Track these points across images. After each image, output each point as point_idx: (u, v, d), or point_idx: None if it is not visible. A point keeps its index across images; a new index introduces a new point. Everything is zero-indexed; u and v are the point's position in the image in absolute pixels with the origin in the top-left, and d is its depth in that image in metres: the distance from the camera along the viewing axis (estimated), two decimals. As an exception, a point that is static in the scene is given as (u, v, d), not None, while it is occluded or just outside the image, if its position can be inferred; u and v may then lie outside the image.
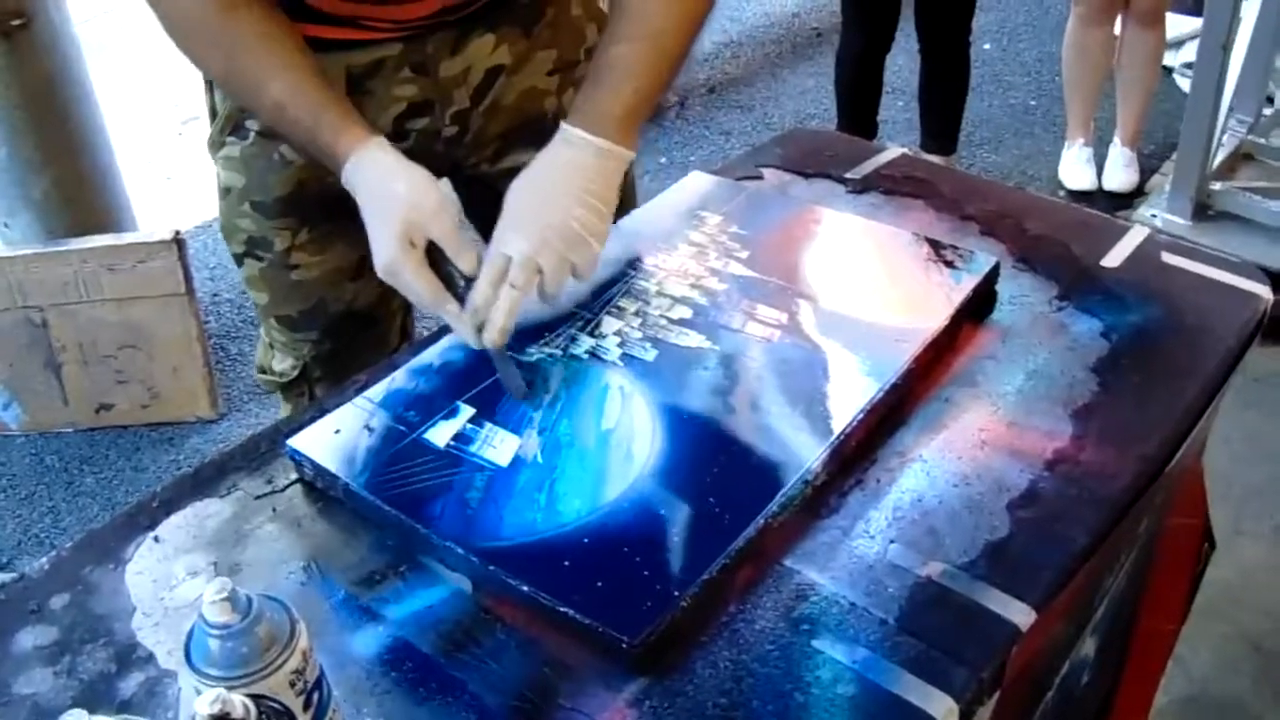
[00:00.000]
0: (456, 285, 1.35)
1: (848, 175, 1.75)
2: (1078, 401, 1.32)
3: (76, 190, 3.33)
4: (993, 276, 1.48)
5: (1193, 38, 4.16)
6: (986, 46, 4.92)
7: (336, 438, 1.29)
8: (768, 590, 1.12)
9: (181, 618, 1.13)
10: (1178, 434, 1.30)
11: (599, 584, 1.08)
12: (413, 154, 1.54)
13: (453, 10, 1.50)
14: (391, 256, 1.34)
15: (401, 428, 1.30)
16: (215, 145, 1.63)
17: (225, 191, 1.64)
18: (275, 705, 0.79)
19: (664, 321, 1.42)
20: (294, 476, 1.29)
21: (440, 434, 1.28)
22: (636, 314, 1.44)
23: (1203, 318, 1.45)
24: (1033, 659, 1.18)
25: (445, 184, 1.45)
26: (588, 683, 1.04)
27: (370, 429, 1.30)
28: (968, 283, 1.45)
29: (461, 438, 1.27)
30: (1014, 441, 1.27)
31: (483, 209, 1.73)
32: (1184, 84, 4.26)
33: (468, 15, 1.53)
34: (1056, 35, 3.97)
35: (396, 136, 1.55)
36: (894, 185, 1.72)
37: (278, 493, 1.27)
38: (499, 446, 1.26)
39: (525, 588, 1.09)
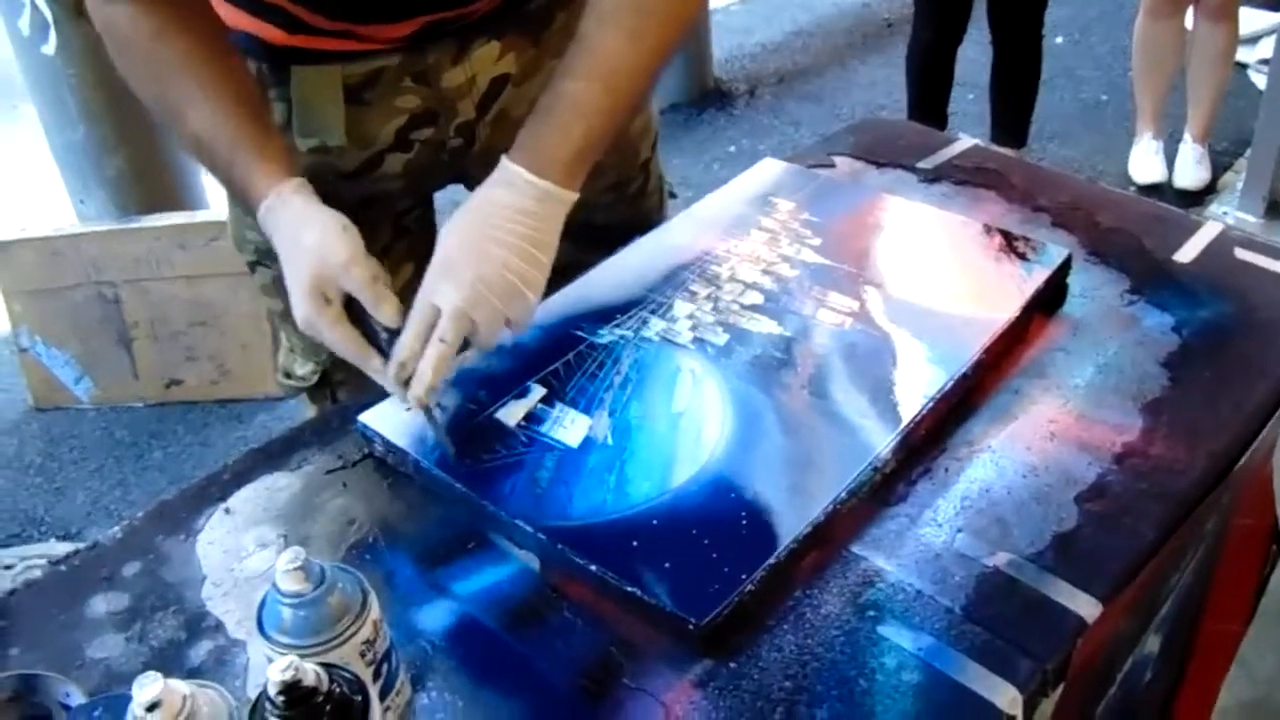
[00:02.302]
0: (379, 338, 1.25)
1: (920, 165, 1.74)
2: (1147, 396, 1.31)
3: (150, 168, 3.37)
4: (1064, 269, 1.48)
5: (1269, 33, 4.13)
6: (1058, 40, 4.88)
7: (407, 415, 1.28)
8: (834, 576, 1.12)
9: (251, 588, 1.15)
10: (1248, 432, 1.28)
11: (666, 565, 1.09)
12: (418, 166, 1.55)
13: (439, 27, 1.45)
14: (305, 312, 1.25)
15: (473, 406, 1.30)
16: None
17: (231, 202, 1.59)
18: (346, 675, 0.80)
19: (736, 306, 1.42)
20: (364, 452, 1.30)
21: (511, 413, 1.29)
22: (708, 298, 1.44)
23: (1276, 314, 1.43)
24: (1097, 653, 1.17)
25: (353, 231, 1.36)
26: (653, 663, 1.04)
27: (442, 407, 1.29)
28: (1039, 274, 1.44)
29: (533, 418, 1.28)
30: (1083, 434, 1.27)
31: None
32: (1259, 80, 4.21)
33: (470, 25, 1.48)
34: (1129, 29, 3.93)
35: (400, 148, 1.52)
36: (966, 176, 1.71)
37: (348, 468, 1.28)
38: (570, 427, 1.26)
39: (593, 567, 1.09)
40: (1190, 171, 3.95)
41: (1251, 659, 2.33)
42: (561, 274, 1.44)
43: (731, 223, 1.58)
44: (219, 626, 1.11)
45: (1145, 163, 4.01)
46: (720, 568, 1.08)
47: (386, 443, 1.27)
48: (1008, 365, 1.37)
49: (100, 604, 1.16)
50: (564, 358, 1.36)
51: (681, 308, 1.43)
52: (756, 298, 1.44)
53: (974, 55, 3.93)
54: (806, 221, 1.57)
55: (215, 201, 3.56)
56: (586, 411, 1.28)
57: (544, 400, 1.30)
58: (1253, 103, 3.69)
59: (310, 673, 0.77)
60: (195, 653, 1.09)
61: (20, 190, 4.21)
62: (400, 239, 1.63)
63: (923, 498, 1.20)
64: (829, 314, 1.40)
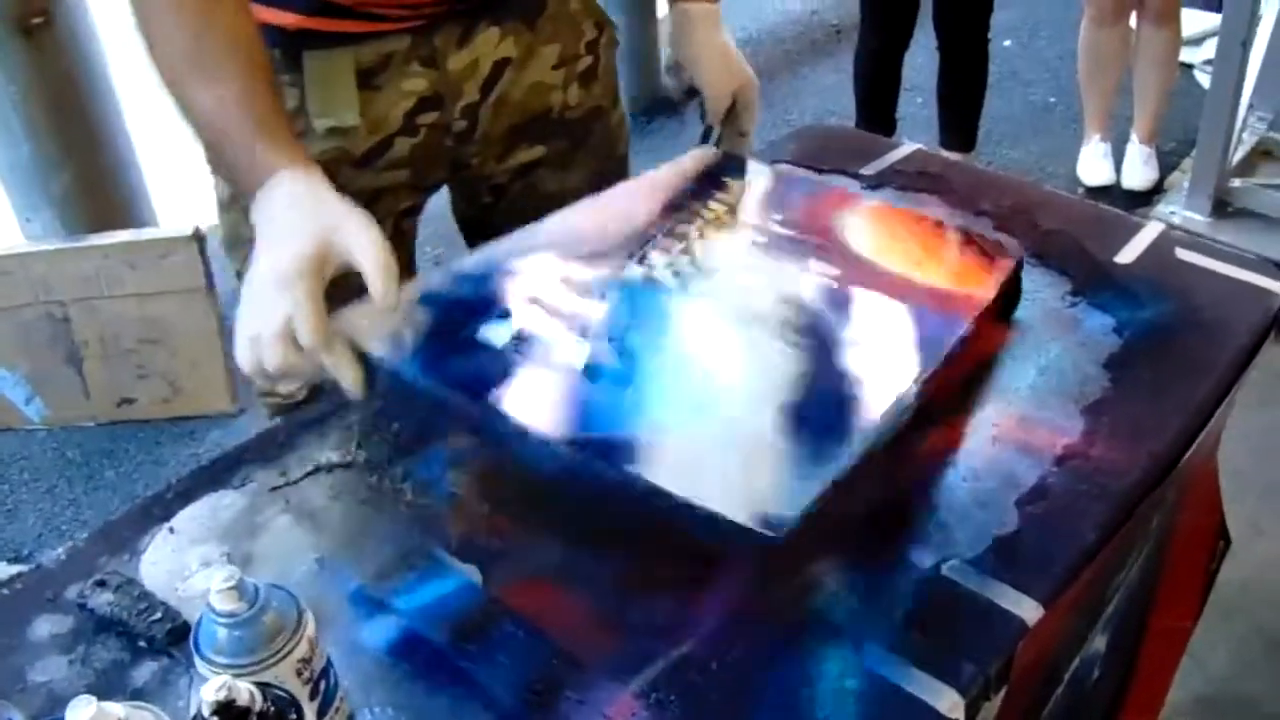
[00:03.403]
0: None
1: (862, 171, 1.75)
2: (1089, 397, 1.32)
3: (98, 186, 3.34)
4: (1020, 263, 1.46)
5: (1213, 35, 4.15)
6: (1007, 44, 4.91)
7: (387, 321, 1.25)
8: (777, 583, 1.12)
9: (194, 608, 1.13)
10: (1189, 430, 1.30)
11: (722, 477, 1.08)
12: (423, 150, 1.57)
13: (449, 6, 1.50)
14: (298, 268, 1.21)
15: (458, 321, 1.27)
16: None
17: (229, 201, 1.59)
18: (281, 693, 0.80)
19: (715, 257, 1.41)
20: (308, 469, 1.29)
21: (498, 333, 1.25)
22: (683, 251, 1.41)
23: (1216, 314, 1.45)
24: (1041, 654, 1.18)
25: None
26: (596, 675, 1.04)
27: (420, 319, 1.27)
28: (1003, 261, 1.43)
29: (520, 339, 1.25)
30: (1024, 437, 1.27)
31: (480, 213, 1.76)
32: (1205, 81, 4.25)
33: (473, 7, 1.53)
34: (1076, 32, 3.95)
35: (407, 131, 1.56)
36: (908, 181, 1.72)
37: (291, 485, 1.28)
38: (568, 349, 1.23)
39: (643, 482, 1.08)
40: (1138, 172, 3.98)
41: (1204, 654, 2.36)
42: None
43: (687, 192, 1.55)
44: (163, 649, 1.10)
45: (1093, 165, 4.04)
46: (790, 478, 1.09)
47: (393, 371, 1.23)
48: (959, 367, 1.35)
49: (44, 626, 1.15)
50: (542, 290, 1.32)
51: (658, 257, 1.39)
52: (732, 251, 1.43)
53: (922, 60, 3.95)
54: (762, 199, 1.56)
55: (165, 219, 3.55)
56: (583, 337, 1.25)
57: (529, 323, 1.27)
58: (1199, 103, 3.72)
59: (244, 692, 0.77)
60: (139, 674, 1.08)
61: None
62: (397, 245, 1.61)
63: (864, 503, 1.20)
64: (811, 272, 1.39)
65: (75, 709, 0.78)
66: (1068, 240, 1.57)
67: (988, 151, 4.19)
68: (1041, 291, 1.48)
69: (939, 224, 1.51)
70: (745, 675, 1.04)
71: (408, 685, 1.05)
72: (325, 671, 0.90)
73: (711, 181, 1.58)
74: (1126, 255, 1.55)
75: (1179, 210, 3.59)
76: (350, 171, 1.52)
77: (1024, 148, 4.32)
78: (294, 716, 0.79)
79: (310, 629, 0.88)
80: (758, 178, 1.62)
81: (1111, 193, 3.94)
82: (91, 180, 3.32)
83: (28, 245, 3.27)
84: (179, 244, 3.09)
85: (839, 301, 1.34)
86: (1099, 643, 1.49)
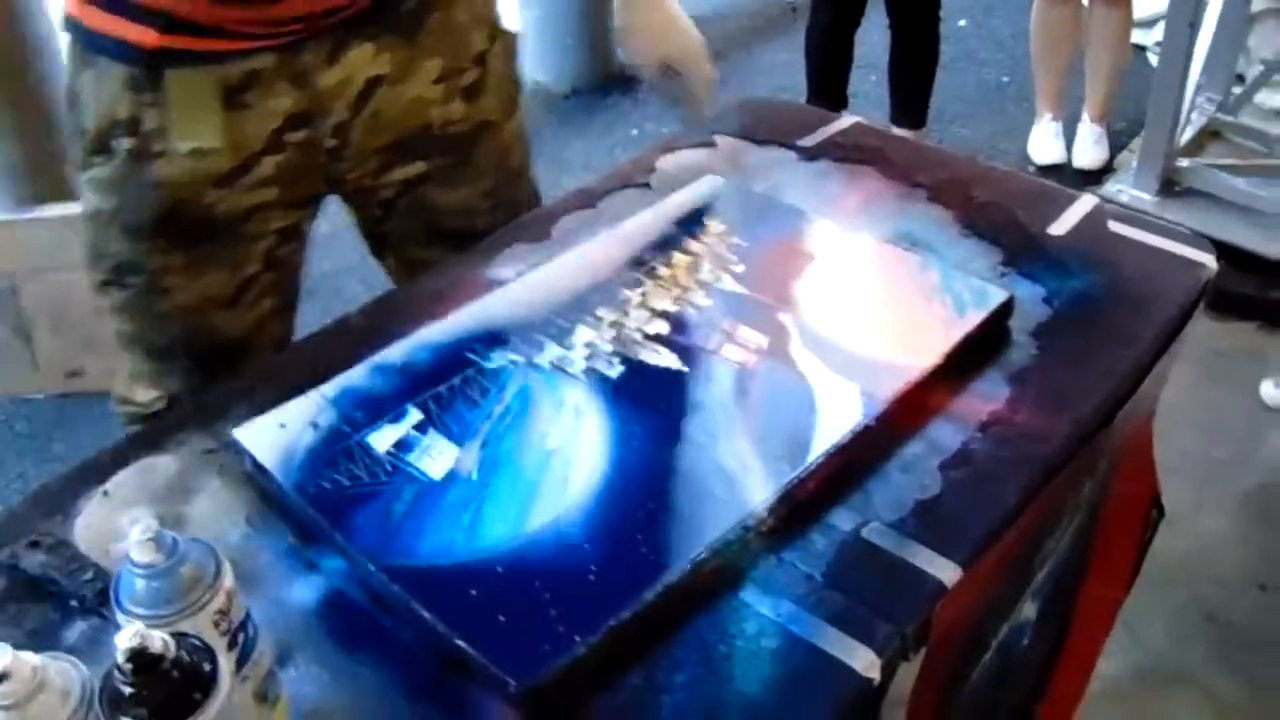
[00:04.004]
0: None
1: (800, 143, 1.76)
2: (1015, 365, 1.34)
3: (44, 159, 3.33)
4: (1003, 312, 1.40)
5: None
6: (961, 23, 4.93)
7: (281, 432, 1.25)
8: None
9: (125, 569, 1.15)
10: (1115, 398, 1.31)
11: (501, 618, 1.04)
12: (291, 168, 1.53)
13: (325, 14, 1.45)
14: None
15: (346, 428, 1.25)
16: (82, 166, 1.53)
17: (94, 215, 1.55)
18: (195, 643, 0.81)
19: (638, 336, 1.36)
20: (241, 433, 1.30)
21: (382, 439, 1.24)
22: (612, 325, 1.38)
23: (1146, 285, 1.47)
24: (964, 618, 1.20)
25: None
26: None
27: (316, 425, 1.26)
28: (971, 318, 1.37)
29: (403, 444, 1.23)
30: (952, 402, 1.29)
31: (372, 225, 1.75)
32: (1157, 62, 4.28)
33: (344, 22, 1.47)
34: (1030, 12, 3.98)
35: (274, 149, 1.50)
36: (845, 153, 1.73)
37: (223, 449, 1.28)
38: (436, 458, 1.21)
39: (423, 614, 1.05)
40: (1089, 152, 4.01)
41: (1140, 626, 2.40)
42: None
43: (656, 243, 1.52)
44: (93, 608, 1.11)
45: (1044, 143, 4.07)
46: (556, 627, 1.02)
47: (254, 460, 1.23)
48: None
49: (-25, 589, 1.16)
50: (449, 381, 1.31)
51: (582, 334, 1.37)
52: (662, 327, 1.37)
53: (876, 38, 3.96)
54: (734, 246, 1.51)
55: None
56: (459, 441, 1.23)
57: (418, 426, 1.26)
58: (1150, 84, 3.75)
59: (157, 640, 0.77)
60: (69, 633, 1.09)
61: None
62: (269, 270, 1.61)
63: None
64: (734, 350, 1.34)
65: (-10, 658, 0.79)
66: (1001, 212, 1.59)
67: (939, 129, 4.21)
68: (973, 262, 1.49)
69: (922, 266, 1.47)
70: (660, 633, 1.05)
71: (331, 643, 1.07)
72: (244, 624, 0.90)
73: (691, 223, 1.56)
74: (1059, 227, 1.56)
75: (1126, 189, 3.61)
76: (214, 192, 1.49)
77: (976, 126, 4.35)
78: (209, 666, 0.80)
79: (228, 582, 0.89)
80: (743, 215, 1.58)
81: (1062, 171, 3.97)
82: (38, 154, 3.31)
83: (-28, 218, 3.26)
84: (128, 216, 3.07)
85: (742, 391, 1.29)
86: (1029, 610, 1.50)
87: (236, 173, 1.50)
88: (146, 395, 1.68)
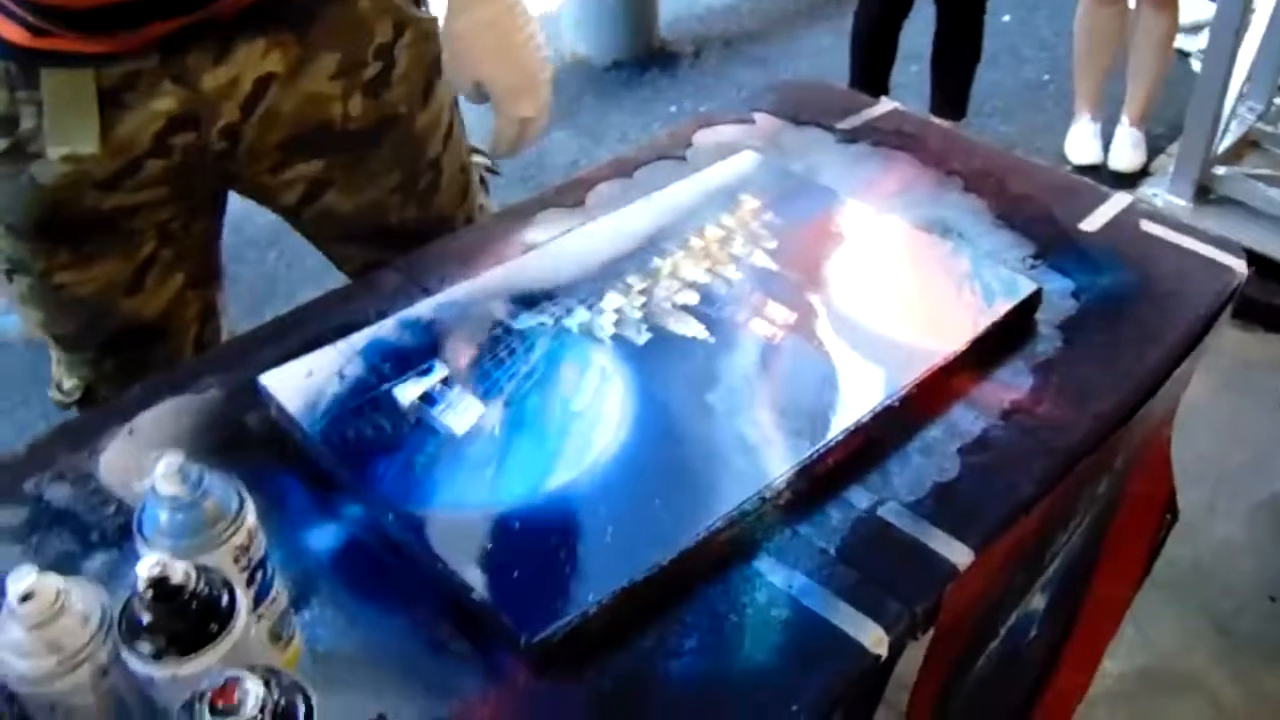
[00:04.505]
0: None
1: (838, 125, 1.76)
2: (1040, 356, 1.34)
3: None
4: (1032, 303, 1.40)
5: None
6: (1005, 18, 4.91)
7: (308, 380, 1.27)
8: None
9: (146, 505, 1.16)
10: (1136, 396, 1.32)
11: (515, 573, 1.05)
12: (180, 171, 1.46)
13: (189, 31, 1.37)
14: None
15: (373, 379, 1.27)
16: None
17: None
18: (216, 576, 0.82)
19: (667, 305, 1.37)
20: (267, 379, 1.31)
21: (408, 391, 1.25)
22: (642, 293, 1.39)
23: (1174, 286, 1.46)
24: (974, 603, 1.20)
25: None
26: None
27: (343, 375, 1.28)
28: (999, 307, 1.37)
29: (428, 398, 1.24)
30: (973, 390, 1.30)
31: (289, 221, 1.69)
32: (1199, 68, 4.26)
33: (228, 24, 1.39)
34: (1075, 11, 3.97)
35: (158, 154, 1.43)
36: (882, 138, 1.73)
37: (249, 393, 1.29)
38: (461, 413, 1.22)
39: (439, 562, 1.07)
40: (1125, 154, 3.99)
41: (1149, 628, 2.40)
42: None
43: (689, 214, 1.53)
44: (114, 541, 1.13)
45: (1082, 143, 4.05)
46: (569, 585, 1.04)
47: (279, 407, 1.25)
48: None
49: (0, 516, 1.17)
50: (477, 339, 1.32)
51: (611, 300, 1.38)
52: (691, 298, 1.38)
53: (919, 28, 3.95)
54: (768, 223, 1.51)
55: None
56: (484, 398, 1.24)
57: (444, 381, 1.26)
58: (1192, 90, 3.73)
59: (179, 570, 0.79)
60: (90, 565, 1.11)
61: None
62: (166, 245, 1.56)
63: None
64: (761, 324, 1.34)
65: (16, 578, 0.80)
66: (1035, 205, 1.59)
67: (977, 123, 4.20)
68: (1004, 252, 1.50)
69: (953, 251, 1.47)
70: (672, 597, 1.06)
71: (345, 589, 1.08)
72: (263, 563, 0.92)
73: (726, 197, 1.56)
74: (1091, 224, 1.56)
75: (1161, 194, 3.60)
76: (96, 193, 1.44)
77: (1014, 122, 4.34)
78: (227, 600, 0.81)
79: (250, 519, 0.90)
80: (778, 192, 1.57)
81: (1098, 173, 3.95)
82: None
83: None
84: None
85: (767, 365, 1.29)
86: (1038, 601, 1.51)
87: (119, 176, 1.43)
88: (69, 383, 1.67)
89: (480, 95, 1.56)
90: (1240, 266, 1.51)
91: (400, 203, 1.64)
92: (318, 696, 0.79)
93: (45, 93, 1.36)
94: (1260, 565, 2.65)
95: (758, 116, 1.79)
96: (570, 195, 1.62)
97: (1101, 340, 1.37)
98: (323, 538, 1.13)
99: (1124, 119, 4.03)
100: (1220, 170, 3.58)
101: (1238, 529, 2.73)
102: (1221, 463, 2.84)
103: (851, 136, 1.74)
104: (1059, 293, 1.43)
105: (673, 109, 4.39)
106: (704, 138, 1.74)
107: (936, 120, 3.80)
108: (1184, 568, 2.49)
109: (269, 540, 0.96)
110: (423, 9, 1.59)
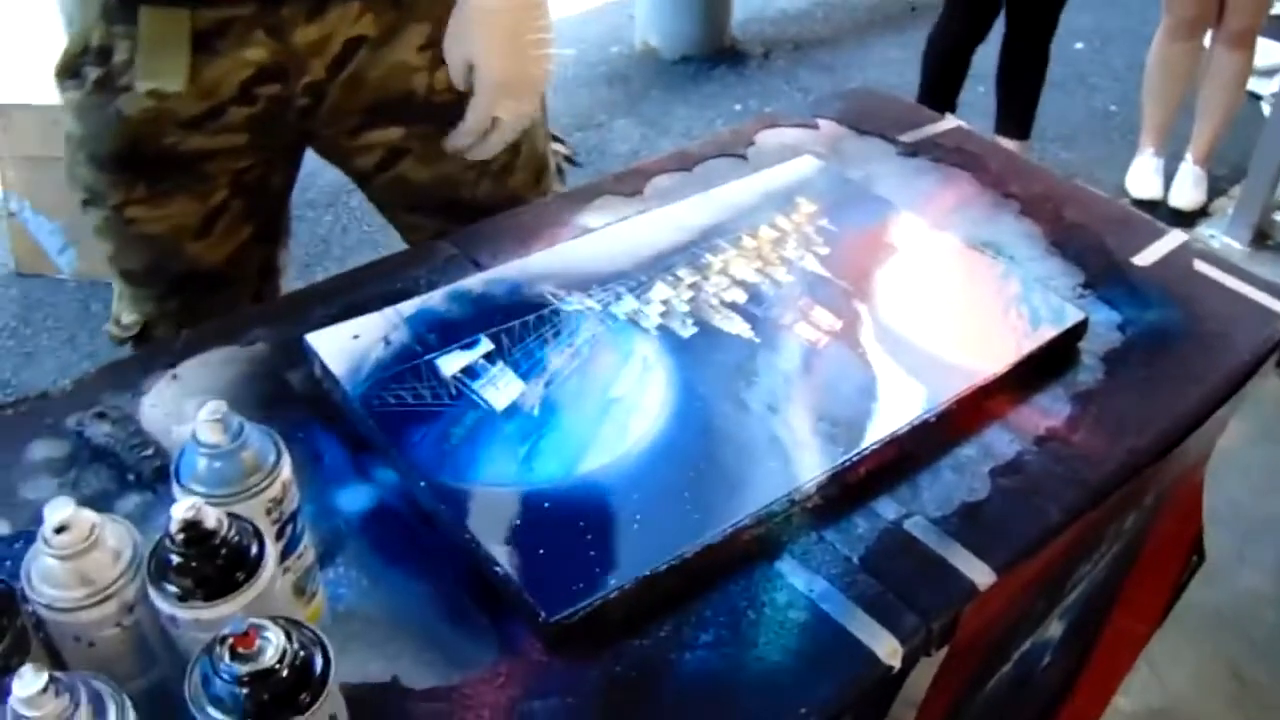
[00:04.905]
0: None
1: (901, 138, 1.76)
2: (1080, 386, 1.34)
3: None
4: (1077, 332, 1.39)
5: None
6: (1078, 46, 4.89)
7: (353, 343, 1.28)
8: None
9: (186, 451, 1.18)
10: (1173, 434, 1.31)
11: (541, 551, 1.06)
12: (262, 121, 1.49)
13: None
14: None
15: (418, 347, 1.29)
16: (58, 86, 1.52)
17: (67, 137, 1.55)
18: (247, 525, 0.83)
19: (715, 301, 1.37)
20: (313, 337, 1.33)
21: (451, 363, 1.27)
22: (691, 286, 1.40)
23: (1221, 328, 1.46)
24: (991, 624, 1.21)
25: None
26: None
27: (388, 341, 1.29)
28: (1043, 333, 1.36)
29: (470, 371, 1.26)
30: (1010, 413, 1.30)
31: (358, 185, 1.72)
32: (1269, 112, 4.24)
33: None
34: (1148, 45, 3.95)
35: (243, 101, 1.47)
36: (944, 154, 1.73)
37: (294, 349, 1.31)
38: (502, 389, 1.24)
39: (467, 534, 1.08)
40: (1187, 192, 3.98)
41: (1166, 670, 2.39)
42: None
43: (745, 213, 1.53)
44: (150, 483, 1.15)
45: (1144, 178, 4.04)
46: (593, 568, 1.05)
47: (323, 366, 1.26)
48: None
49: (40, 450, 1.20)
50: (524, 318, 1.33)
51: (660, 290, 1.39)
52: (739, 296, 1.38)
53: (989, 49, 3.94)
54: (822, 228, 1.51)
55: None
56: (525, 377, 1.25)
57: (487, 356, 1.28)
58: (1259, 133, 3.72)
59: (212, 516, 0.80)
60: (124, 504, 1.13)
61: (31, 57, 4.20)
62: (238, 196, 1.59)
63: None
64: (806, 328, 1.35)
65: (53, 509, 0.82)
66: (1089, 235, 1.59)
67: (1039, 148, 4.19)
68: (1054, 279, 1.49)
69: (1004, 273, 1.47)
70: (693, 589, 1.07)
71: (375, 552, 1.10)
72: (294, 517, 0.93)
73: (782, 200, 1.57)
74: (1144, 259, 1.56)
75: (1219, 235, 3.59)
76: (178, 132, 1.48)
77: (1077, 150, 4.32)
78: (256, 550, 0.82)
79: (286, 473, 0.91)
80: (834, 199, 1.58)
81: (1158, 209, 3.93)
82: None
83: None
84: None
85: (808, 369, 1.29)
86: (1055, 629, 1.51)
87: (202, 118, 1.47)
88: (129, 318, 1.69)
89: (467, 80, 1.52)
90: (1289, 314, 1.51)
91: (474, 179, 1.66)
92: (335, 654, 0.80)
93: (141, 29, 1.40)
94: (1284, 617, 2.64)
95: (822, 122, 1.79)
96: (629, 184, 1.63)
97: (1143, 375, 1.37)
98: (354, 499, 1.15)
99: (1188, 156, 4.01)
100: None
101: (1264, 579, 2.71)
102: (1255, 511, 2.83)
103: (913, 150, 1.74)
104: (1105, 324, 1.43)
105: (737, 107, 4.39)
106: (766, 138, 1.75)
107: (1001, 140, 3.81)
108: (1206, 612, 2.48)
109: (302, 496, 0.97)
110: None
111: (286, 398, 1.26)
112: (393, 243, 1.73)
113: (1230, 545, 2.66)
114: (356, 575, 1.07)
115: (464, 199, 1.67)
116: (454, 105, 1.55)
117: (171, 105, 1.45)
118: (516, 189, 1.71)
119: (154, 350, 1.33)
